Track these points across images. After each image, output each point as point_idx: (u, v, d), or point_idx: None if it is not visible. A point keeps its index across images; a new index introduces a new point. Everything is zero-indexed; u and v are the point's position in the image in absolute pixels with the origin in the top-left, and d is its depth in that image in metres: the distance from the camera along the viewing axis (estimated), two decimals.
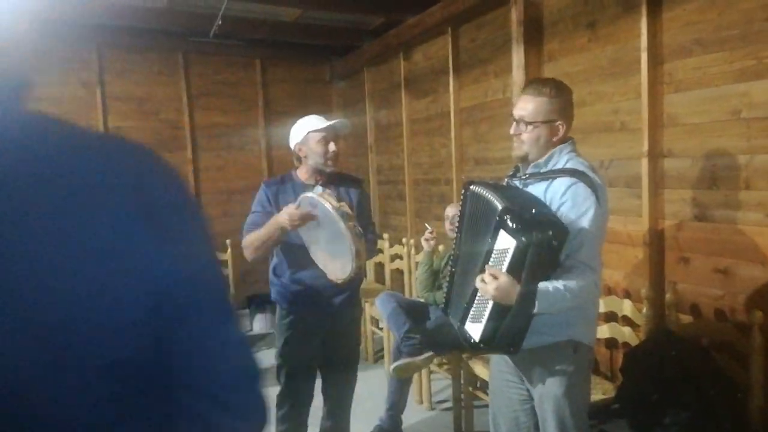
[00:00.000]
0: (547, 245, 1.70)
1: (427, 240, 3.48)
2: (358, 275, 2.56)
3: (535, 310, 1.76)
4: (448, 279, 2.17)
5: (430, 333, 3.28)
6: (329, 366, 2.78)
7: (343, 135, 2.68)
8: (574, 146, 2.00)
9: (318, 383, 2.80)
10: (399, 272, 5.09)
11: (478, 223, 1.95)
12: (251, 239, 2.51)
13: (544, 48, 3.49)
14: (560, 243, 1.73)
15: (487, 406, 3.44)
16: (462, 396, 3.37)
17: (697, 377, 2.30)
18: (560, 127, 1.94)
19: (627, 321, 2.90)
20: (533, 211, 1.77)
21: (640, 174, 2.85)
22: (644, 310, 2.71)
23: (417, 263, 4.13)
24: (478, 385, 3.42)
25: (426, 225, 3.46)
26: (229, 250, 5.14)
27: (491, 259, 1.82)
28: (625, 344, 2.90)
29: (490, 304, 1.81)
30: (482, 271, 1.82)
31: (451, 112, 4.46)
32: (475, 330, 1.89)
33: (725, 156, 2.51)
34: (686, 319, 2.69)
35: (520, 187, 2.01)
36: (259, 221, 2.53)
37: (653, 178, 2.81)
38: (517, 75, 3.55)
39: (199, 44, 5.84)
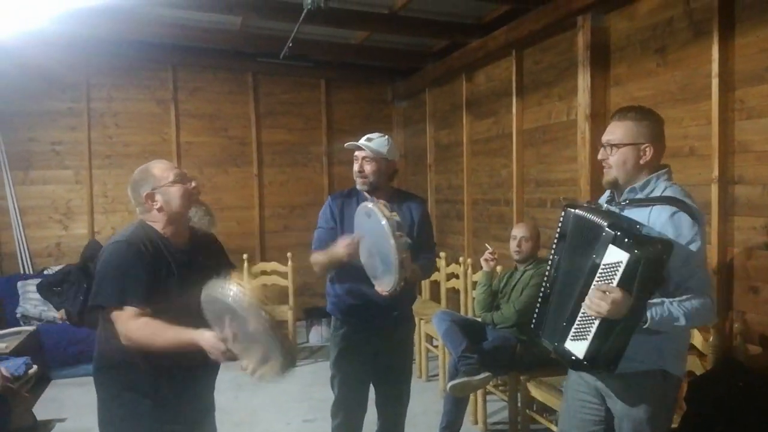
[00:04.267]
0: (658, 258, 1.75)
1: (487, 260, 3.50)
2: (407, 289, 2.53)
3: (647, 324, 1.77)
4: (540, 300, 2.12)
5: (487, 353, 3.29)
6: (382, 379, 2.82)
7: (377, 155, 2.58)
8: (671, 174, 1.99)
9: (372, 397, 2.84)
10: (455, 291, 5.09)
11: (580, 243, 1.95)
12: (316, 259, 2.61)
13: (611, 72, 3.49)
14: (668, 257, 1.77)
15: (543, 429, 3.43)
16: (519, 418, 3.36)
17: (765, 409, 2.24)
18: (647, 149, 1.94)
19: (693, 350, 2.84)
20: (639, 227, 1.85)
21: (709, 200, 2.81)
22: (711, 339, 2.65)
23: (474, 283, 4.15)
24: (534, 408, 3.39)
25: (486, 245, 3.48)
26: (289, 263, 5.27)
27: (598, 274, 1.82)
28: (690, 373, 2.83)
29: (596, 321, 1.81)
30: (585, 287, 1.83)
31: (513, 134, 4.48)
32: (578, 348, 1.89)
33: None
34: (755, 350, 2.62)
35: (618, 212, 2.01)
36: (324, 238, 2.64)
37: (723, 204, 2.77)
38: (583, 98, 3.56)
39: (269, 65, 6.09)
